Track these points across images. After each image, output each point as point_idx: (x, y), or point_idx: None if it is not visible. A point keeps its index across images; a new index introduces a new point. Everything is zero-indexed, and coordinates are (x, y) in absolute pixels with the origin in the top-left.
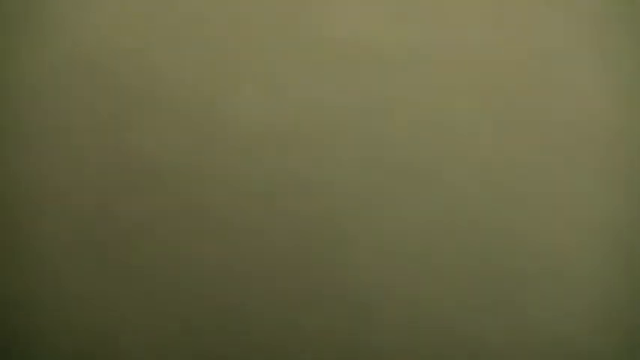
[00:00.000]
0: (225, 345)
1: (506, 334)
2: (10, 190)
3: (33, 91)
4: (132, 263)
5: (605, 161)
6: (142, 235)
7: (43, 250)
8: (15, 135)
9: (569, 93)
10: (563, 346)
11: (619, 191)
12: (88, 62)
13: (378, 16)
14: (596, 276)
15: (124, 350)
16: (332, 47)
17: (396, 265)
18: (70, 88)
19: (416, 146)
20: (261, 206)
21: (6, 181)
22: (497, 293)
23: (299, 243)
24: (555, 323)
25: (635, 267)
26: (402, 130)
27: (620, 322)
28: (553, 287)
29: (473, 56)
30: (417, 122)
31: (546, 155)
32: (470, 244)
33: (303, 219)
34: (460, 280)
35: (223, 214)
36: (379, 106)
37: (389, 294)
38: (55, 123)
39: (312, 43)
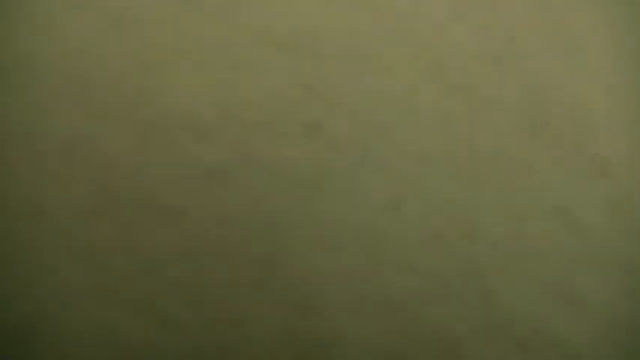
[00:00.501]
0: (176, 338)
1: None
2: None
3: None
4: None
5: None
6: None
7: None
8: None
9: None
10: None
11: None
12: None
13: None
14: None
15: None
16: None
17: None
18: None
19: (361, 127)
20: (210, 190)
21: None
22: (460, 284)
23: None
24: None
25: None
26: (345, 114)
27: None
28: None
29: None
30: (362, 106)
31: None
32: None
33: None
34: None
35: (170, 200)
36: (326, 94)
37: (338, 283)
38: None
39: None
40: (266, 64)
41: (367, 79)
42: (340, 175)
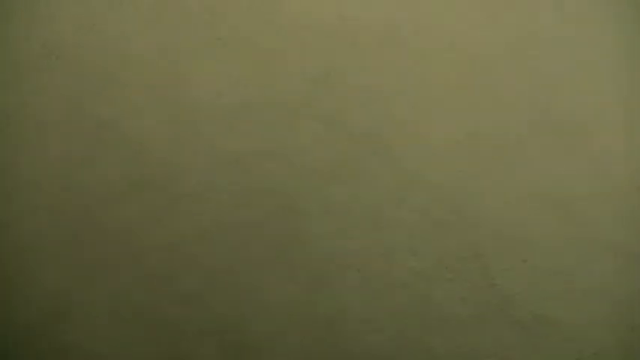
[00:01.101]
0: (185, 316)
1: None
2: None
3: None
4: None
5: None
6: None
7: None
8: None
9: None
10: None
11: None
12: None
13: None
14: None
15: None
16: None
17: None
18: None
19: (377, 120)
20: (232, 175)
21: None
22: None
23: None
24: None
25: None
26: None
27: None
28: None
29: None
30: (384, 97)
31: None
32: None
33: (261, 190)
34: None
35: (193, 184)
36: (341, 89)
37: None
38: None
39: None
40: (287, 59)
41: (392, 69)
42: (352, 164)
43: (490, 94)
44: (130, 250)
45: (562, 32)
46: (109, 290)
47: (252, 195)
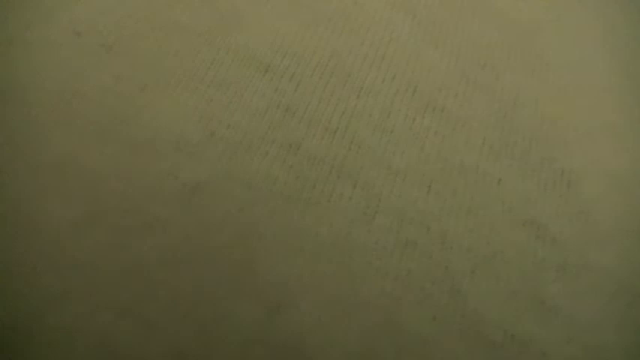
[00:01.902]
0: (157, 338)
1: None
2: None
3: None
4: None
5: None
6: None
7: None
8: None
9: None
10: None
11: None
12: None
13: None
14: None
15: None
16: None
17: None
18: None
19: (338, 145)
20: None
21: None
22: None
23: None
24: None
25: None
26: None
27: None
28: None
29: None
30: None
31: None
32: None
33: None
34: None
35: (156, 211)
36: (305, 115)
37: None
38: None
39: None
40: (249, 86)
41: (345, 100)
42: (317, 188)
43: (444, 121)
44: (93, 278)
45: (524, 57)
46: (69, 319)
47: (216, 220)
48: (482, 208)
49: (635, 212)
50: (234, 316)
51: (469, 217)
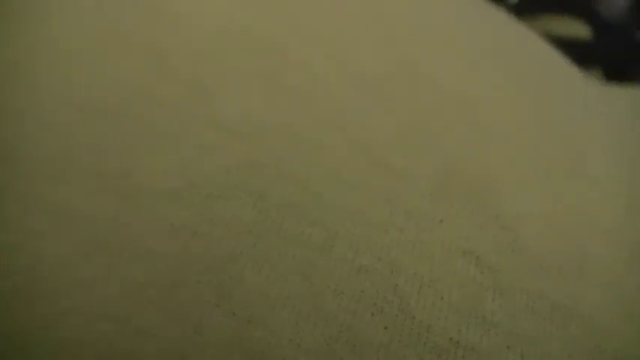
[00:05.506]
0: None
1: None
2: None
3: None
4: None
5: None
6: None
7: None
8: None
9: None
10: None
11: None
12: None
13: None
14: None
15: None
16: None
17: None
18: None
19: (299, 193)
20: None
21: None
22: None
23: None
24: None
25: None
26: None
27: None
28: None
29: None
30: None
31: None
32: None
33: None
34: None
35: (142, 247)
36: (270, 169)
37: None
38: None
39: None
40: (220, 146)
41: (304, 156)
42: (282, 229)
43: (400, 172)
44: (83, 309)
45: (462, 117)
46: (68, 329)
47: (194, 255)
48: (426, 244)
49: (567, 246)
50: (213, 327)
51: (415, 250)
